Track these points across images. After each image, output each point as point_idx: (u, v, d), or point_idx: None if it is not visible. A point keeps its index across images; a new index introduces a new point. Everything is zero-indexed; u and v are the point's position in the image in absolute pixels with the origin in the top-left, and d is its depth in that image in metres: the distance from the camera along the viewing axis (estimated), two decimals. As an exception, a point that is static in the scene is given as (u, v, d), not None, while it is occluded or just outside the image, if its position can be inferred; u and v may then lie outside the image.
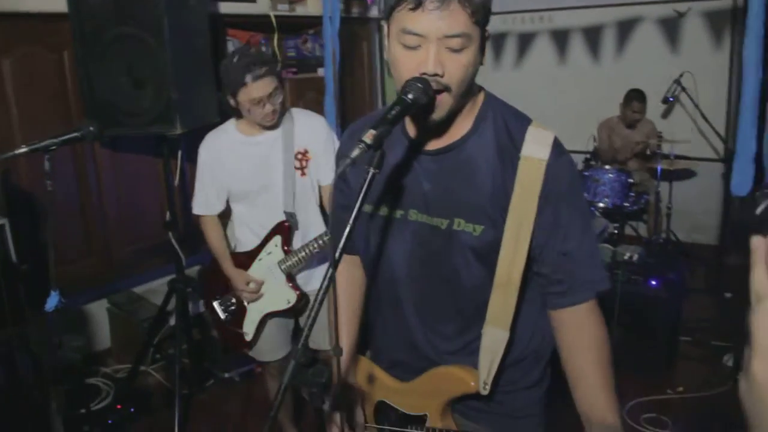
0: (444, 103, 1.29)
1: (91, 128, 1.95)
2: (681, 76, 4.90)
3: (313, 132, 2.64)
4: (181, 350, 3.37)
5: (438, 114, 1.30)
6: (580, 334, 1.40)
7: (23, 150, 1.87)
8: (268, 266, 2.66)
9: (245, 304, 2.73)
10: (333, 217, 1.68)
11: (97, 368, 3.69)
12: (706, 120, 4.95)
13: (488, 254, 1.38)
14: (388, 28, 1.30)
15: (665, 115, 5.54)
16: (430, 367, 1.51)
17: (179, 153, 3.39)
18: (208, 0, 3.64)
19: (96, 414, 3.27)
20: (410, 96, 1.24)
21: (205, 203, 2.68)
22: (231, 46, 3.89)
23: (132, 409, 3.37)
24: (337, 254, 1.19)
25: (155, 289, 4.03)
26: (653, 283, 3.67)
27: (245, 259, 2.70)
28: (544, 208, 1.34)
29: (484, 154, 1.38)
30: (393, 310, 1.56)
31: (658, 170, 4.88)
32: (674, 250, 5.16)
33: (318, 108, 4.22)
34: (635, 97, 5.20)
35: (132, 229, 3.64)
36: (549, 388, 1.58)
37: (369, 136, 1.19)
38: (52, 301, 1.98)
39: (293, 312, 2.75)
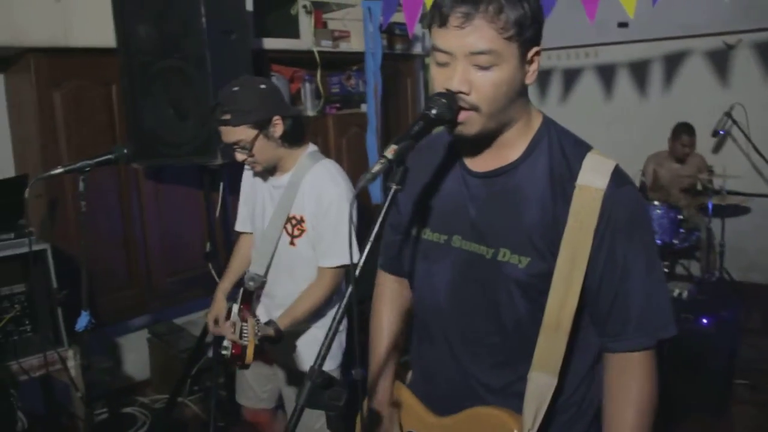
0: (472, 120, 1.24)
1: (125, 150, 1.99)
2: (731, 108, 4.78)
3: (316, 201, 2.17)
4: (218, 383, 3.37)
5: (467, 130, 1.25)
6: (628, 385, 1.30)
7: (59, 171, 1.92)
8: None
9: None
10: (384, 236, 1.61)
11: (135, 398, 3.70)
12: (759, 153, 4.80)
13: (533, 289, 1.30)
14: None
15: (716, 149, 5.39)
16: (467, 405, 1.40)
17: (221, 185, 3.43)
18: (251, 35, 3.71)
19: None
20: (434, 111, 1.22)
21: (242, 221, 2.57)
22: (275, 81, 3.94)
23: (167, 440, 3.36)
24: (357, 272, 1.16)
25: (195, 320, 4.05)
26: (705, 321, 3.50)
27: None
28: (601, 243, 1.25)
29: (536, 181, 1.30)
30: (434, 340, 1.48)
31: (709, 206, 4.72)
32: (728, 289, 4.95)
33: (360, 143, 4.26)
34: (684, 131, 5.05)
35: (174, 260, 3.67)
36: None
37: (391, 151, 1.17)
38: (83, 320, 2.00)
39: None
